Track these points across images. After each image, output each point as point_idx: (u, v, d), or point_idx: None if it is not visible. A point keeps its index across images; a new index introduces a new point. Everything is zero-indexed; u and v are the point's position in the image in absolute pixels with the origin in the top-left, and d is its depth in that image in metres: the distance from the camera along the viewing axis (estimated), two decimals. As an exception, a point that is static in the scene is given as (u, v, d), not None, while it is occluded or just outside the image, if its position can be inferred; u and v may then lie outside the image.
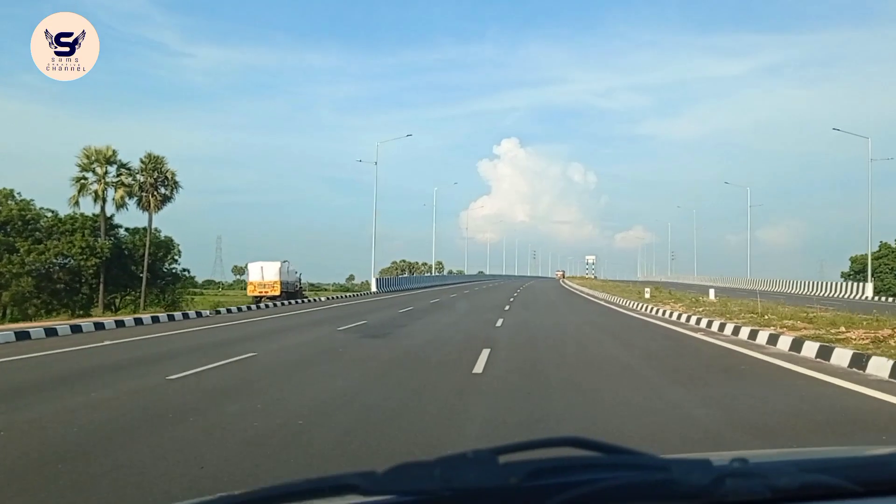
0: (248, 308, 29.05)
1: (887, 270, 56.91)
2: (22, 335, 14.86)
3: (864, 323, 13.81)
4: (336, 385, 8.69)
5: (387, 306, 28.50)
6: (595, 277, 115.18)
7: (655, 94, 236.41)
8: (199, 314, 24.14)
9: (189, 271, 44.97)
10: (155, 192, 35.91)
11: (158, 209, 36.33)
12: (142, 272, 36.02)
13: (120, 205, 35.68)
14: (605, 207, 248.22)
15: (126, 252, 37.43)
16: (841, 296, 43.52)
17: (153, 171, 35.97)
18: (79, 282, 35.95)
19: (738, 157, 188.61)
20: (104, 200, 35.54)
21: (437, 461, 1.02)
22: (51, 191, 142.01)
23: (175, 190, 36.69)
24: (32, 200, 37.51)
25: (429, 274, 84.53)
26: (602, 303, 33.99)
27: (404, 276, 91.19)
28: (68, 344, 13.71)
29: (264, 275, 36.73)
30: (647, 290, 32.02)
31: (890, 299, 42.12)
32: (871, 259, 48.49)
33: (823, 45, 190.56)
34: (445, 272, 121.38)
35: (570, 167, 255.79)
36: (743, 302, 23.82)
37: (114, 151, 35.44)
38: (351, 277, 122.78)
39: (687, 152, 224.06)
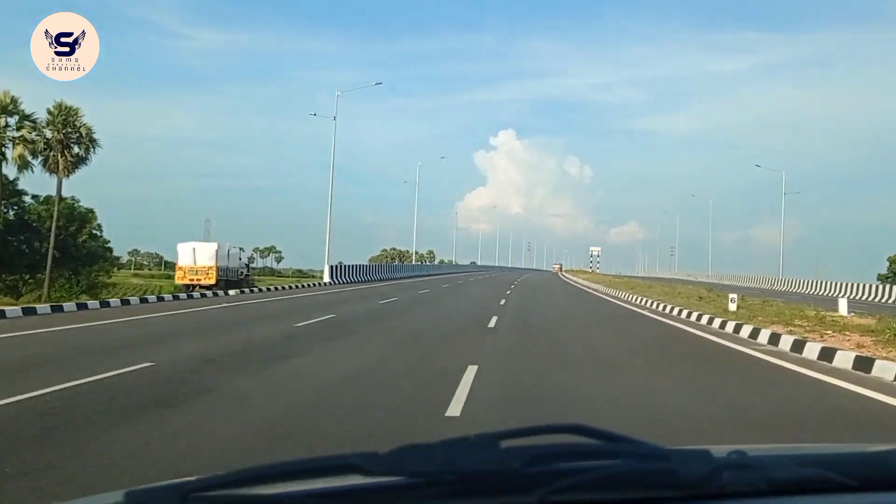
0: (179, 297, 23.99)
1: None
2: None
3: None
4: None
5: (315, 306, 20.95)
6: (594, 271, 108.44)
7: (653, 88, 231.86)
8: (106, 303, 19.55)
9: (112, 250, 37.86)
10: (65, 152, 28.99)
11: (70, 172, 29.38)
12: (48, 250, 29.14)
13: (21, 165, 28.82)
14: (601, 202, 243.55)
15: (33, 225, 30.53)
16: (879, 300, 37.52)
17: (64, 125, 29.03)
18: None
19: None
20: (3, 159, 28.72)
21: (440, 444, 1.02)
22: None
23: (92, 149, 29.75)
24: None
25: (410, 263, 77.08)
26: (657, 317, 18.74)
27: (385, 263, 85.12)
28: None
29: (196, 258, 30.10)
30: (733, 297, 18.34)
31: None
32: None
33: (823, 44, 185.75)
34: (437, 262, 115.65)
35: (566, 160, 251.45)
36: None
37: (13, 98, 28.45)
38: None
39: (685, 148, 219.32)
